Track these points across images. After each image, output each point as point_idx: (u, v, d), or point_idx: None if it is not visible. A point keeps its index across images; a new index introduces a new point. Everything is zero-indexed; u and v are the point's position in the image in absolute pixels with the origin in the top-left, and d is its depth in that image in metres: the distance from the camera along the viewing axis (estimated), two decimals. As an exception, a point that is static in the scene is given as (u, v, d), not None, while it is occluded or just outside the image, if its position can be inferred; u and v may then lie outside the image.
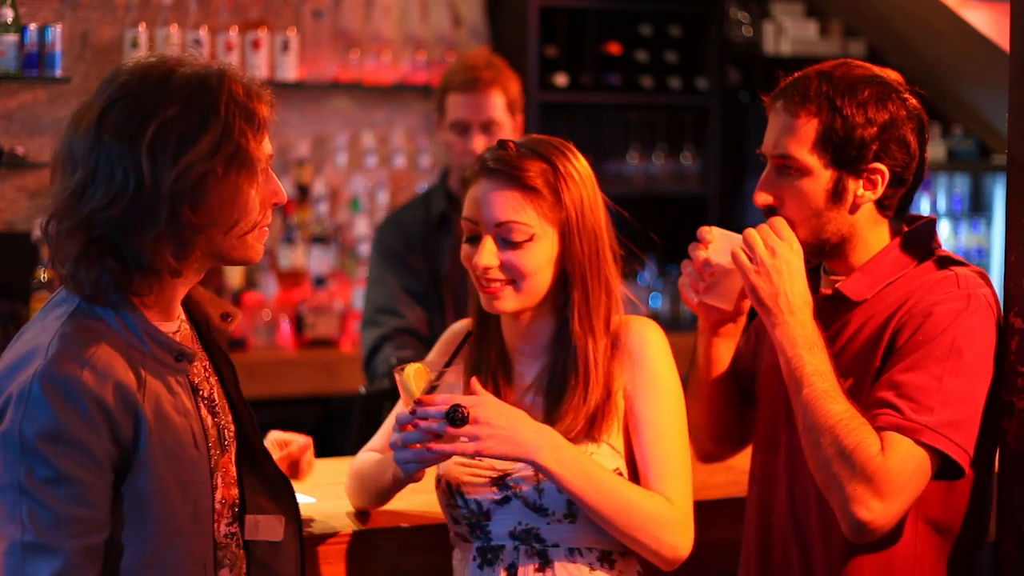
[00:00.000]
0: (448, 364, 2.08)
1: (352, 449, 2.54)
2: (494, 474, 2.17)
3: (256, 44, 4.70)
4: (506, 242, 2.15)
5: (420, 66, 5.04)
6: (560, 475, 2.07)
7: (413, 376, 2.07)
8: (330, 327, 4.84)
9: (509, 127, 3.55)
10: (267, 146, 1.87)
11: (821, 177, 2.18)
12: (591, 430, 2.16)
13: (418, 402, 2.03)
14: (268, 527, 1.97)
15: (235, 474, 1.96)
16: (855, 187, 2.18)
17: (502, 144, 2.19)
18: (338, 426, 4.55)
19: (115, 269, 1.79)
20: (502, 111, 3.54)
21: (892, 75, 2.22)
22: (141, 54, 1.87)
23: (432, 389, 2.05)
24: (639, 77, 5.31)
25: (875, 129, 2.16)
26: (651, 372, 2.19)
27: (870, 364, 2.16)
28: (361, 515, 2.39)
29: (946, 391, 2.08)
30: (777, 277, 2.13)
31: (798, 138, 2.17)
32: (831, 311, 2.23)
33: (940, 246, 2.26)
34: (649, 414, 2.17)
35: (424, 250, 3.60)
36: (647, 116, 5.38)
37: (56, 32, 4.08)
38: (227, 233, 1.84)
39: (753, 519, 2.33)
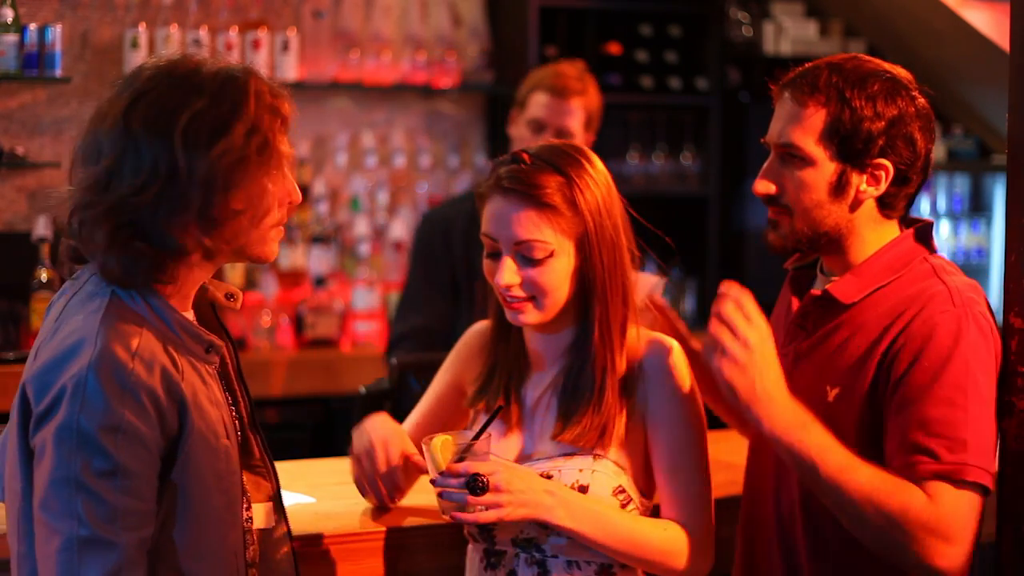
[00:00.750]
0: (476, 437, 2.09)
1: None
2: None
3: (256, 44, 4.70)
4: (526, 259, 2.15)
5: (420, 66, 5.04)
6: (573, 529, 2.10)
7: (440, 448, 2.08)
8: (330, 327, 4.84)
9: (581, 141, 3.56)
10: (288, 145, 1.89)
11: (825, 169, 2.16)
12: (600, 439, 2.16)
13: (442, 473, 2.06)
14: (257, 514, 1.97)
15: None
16: (858, 181, 2.16)
17: (516, 158, 2.17)
18: (338, 426, 4.55)
19: (146, 252, 1.79)
20: (579, 123, 3.62)
21: (902, 72, 2.20)
22: (163, 53, 1.89)
23: (460, 460, 2.07)
24: (639, 77, 5.30)
25: (883, 123, 2.14)
26: (671, 396, 2.18)
27: (860, 379, 2.13)
28: (365, 513, 2.38)
29: (973, 420, 2.05)
30: (753, 370, 2.04)
31: (804, 127, 2.15)
32: (820, 313, 2.21)
33: (936, 250, 2.24)
34: (669, 439, 2.17)
35: (465, 242, 3.65)
36: (647, 116, 5.38)
37: (56, 32, 4.09)
38: (254, 225, 1.85)
39: (742, 518, 2.33)
